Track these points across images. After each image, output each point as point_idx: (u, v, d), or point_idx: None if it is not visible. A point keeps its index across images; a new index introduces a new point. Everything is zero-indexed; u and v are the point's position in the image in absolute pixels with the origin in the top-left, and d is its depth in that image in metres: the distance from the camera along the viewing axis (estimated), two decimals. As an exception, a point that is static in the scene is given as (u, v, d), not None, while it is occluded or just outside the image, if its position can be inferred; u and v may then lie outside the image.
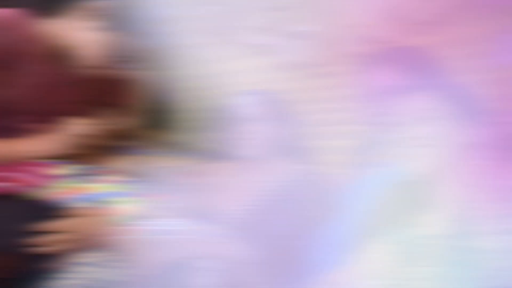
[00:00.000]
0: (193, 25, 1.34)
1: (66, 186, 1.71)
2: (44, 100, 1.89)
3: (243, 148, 0.78)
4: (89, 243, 1.63)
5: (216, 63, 1.40)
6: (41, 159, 1.79)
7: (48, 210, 1.73)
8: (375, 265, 0.84)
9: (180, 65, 1.23)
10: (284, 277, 0.74)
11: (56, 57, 1.74)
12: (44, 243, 1.66)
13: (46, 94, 1.89)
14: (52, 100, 1.91)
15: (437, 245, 0.89)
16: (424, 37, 0.80)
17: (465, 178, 0.91)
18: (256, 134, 0.79)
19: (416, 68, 0.94)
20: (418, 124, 0.97)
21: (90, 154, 1.83)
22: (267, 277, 0.74)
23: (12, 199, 1.77)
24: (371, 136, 0.96)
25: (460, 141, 0.90)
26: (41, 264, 1.66)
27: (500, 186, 0.85)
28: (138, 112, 2.39)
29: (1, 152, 1.79)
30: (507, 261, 0.86)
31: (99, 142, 1.81)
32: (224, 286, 0.75)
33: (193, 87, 1.45)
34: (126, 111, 1.98)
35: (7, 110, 1.86)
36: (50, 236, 1.65)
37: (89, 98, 1.95)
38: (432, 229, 0.91)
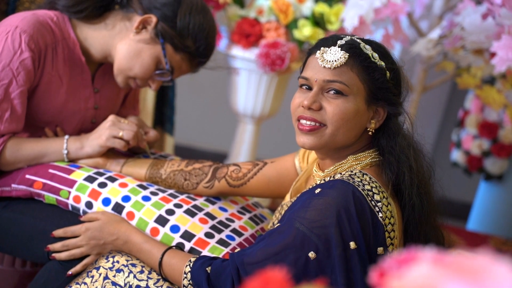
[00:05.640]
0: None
1: (86, 190, 1.72)
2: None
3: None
4: (107, 247, 1.64)
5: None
6: (63, 163, 1.80)
7: (69, 215, 1.73)
8: None
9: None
10: None
11: None
12: (65, 247, 1.67)
13: None
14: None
15: None
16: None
17: None
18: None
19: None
20: None
21: (111, 157, 1.85)
22: None
23: (36, 202, 1.77)
24: None
25: None
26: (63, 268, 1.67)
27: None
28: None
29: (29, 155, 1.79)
30: None
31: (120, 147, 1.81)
32: None
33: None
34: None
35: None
36: (71, 240, 1.66)
37: None
38: None
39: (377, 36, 2.81)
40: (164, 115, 2.63)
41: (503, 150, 3.42)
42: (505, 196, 3.50)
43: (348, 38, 1.49)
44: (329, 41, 1.50)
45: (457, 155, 3.62)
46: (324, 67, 1.46)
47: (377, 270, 0.67)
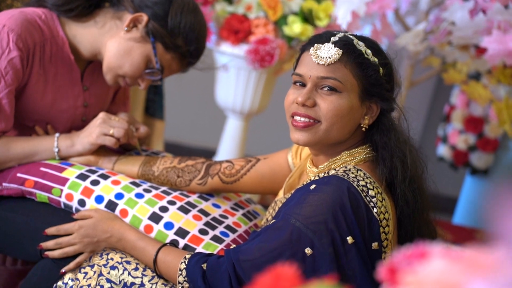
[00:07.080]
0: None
1: (79, 188, 1.71)
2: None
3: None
4: (101, 245, 1.64)
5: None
6: (55, 161, 1.79)
7: (62, 213, 1.72)
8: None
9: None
10: None
11: None
12: (58, 245, 1.66)
13: None
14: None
15: None
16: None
17: None
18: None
19: None
20: None
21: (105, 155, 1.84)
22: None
23: (28, 201, 1.76)
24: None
25: None
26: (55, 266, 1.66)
27: None
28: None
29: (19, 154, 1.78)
30: None
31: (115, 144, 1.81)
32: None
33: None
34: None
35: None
36: (64, 238, 1.65)
37: None
38: None
39: (365, 31, 2.82)
40: (151, 101, 2.61)
41: (489, 145, 3.45)
42: (491, 190, 3.53)
43: (341, 34, 1.50)
44: (322, 38, 1.50)
45: (443, 150, 3.64)
46: (318, 63, 1.47)
47: (387, 266, 0.67)
